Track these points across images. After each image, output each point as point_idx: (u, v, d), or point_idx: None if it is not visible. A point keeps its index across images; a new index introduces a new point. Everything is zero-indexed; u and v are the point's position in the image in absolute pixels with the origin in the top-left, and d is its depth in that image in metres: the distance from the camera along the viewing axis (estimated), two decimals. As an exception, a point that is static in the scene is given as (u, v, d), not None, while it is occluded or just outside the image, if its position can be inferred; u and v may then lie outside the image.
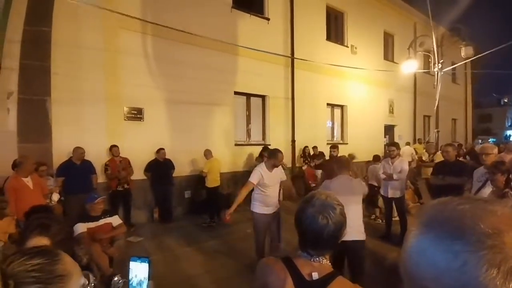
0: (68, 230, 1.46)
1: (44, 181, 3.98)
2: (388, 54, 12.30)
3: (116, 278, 3.42)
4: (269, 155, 3.74)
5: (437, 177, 4.04)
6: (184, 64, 6.46)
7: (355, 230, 2.57)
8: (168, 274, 3.72)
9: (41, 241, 1.23)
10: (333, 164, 3.18)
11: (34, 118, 4.80)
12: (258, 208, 3.55)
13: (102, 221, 3.41)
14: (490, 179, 2.77)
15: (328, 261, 1.05)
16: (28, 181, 3.46)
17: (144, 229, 5.40)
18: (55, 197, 4.09)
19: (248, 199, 3.71)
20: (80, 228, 3.23)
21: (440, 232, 0.39)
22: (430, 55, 8.73)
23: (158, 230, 5.43)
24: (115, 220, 3.55)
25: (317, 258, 1.03)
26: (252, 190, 3.59)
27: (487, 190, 2.96)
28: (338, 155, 5.19)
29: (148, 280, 0.95)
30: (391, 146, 4.82)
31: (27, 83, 4.69)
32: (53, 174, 4.74)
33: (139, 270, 0.98)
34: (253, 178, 3.49)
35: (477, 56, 8.63)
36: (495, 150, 3.44)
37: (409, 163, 8.84)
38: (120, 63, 5.73)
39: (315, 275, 0.99)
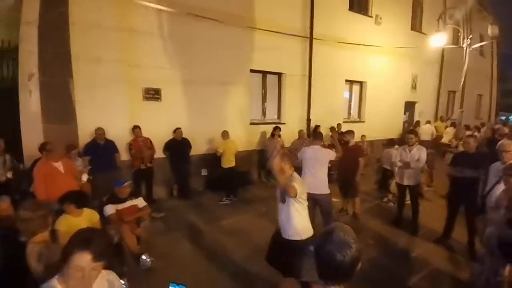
0: (111, 241, 1.57)
1: (74, 164, 4.22)
2: (416, 24, 11.44)
3: (144, 257, 3.78)
4: (318, 136, 4.36)
5: (455, 169, 3.98)
6: (198, 41, 6.34)
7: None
8: (187, 249, 4.06)
9: (84, 256, 1.28)
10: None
11: (57, 99, 4.94)
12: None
13: (129, 203, 3.69)
14: (504, 180, 2.73)
15: None
16: (59, 165, 3.58)
17: (165, 205, 5.76)
18: (84, 177, 4.37)
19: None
20: (110, 209, 3.53)
21: None
22: (460, 29, 8.09)
23: (178, 206, 5.78)
24: (140, 202, 3.82)
25: (332, 287, 1.13)
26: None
27: (502, 187, 2.94)
28: (351, 141, 5.16)
29: None
30: (410, 134, 4.73)
31: (47, 66, 4.74)
32: (81, 154, 5.02)
33: None
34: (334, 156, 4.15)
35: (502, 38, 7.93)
36: (515, 147, 3.30)
37: (429, 142, 8.68)
38: (136, 42, 5.69)
39: None
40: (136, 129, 5.59)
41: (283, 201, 2.56)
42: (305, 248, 2.46)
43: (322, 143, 4.41)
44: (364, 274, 3.25)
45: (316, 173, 4.00)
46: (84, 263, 1.27)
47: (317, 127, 8.25)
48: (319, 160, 4.03)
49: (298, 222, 2.54)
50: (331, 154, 4.09)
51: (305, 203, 2.61)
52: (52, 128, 4.88)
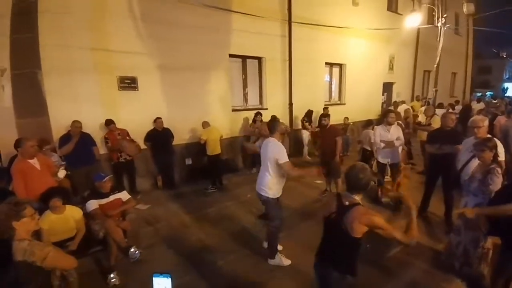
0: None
1: (50, 160, 4.02)
2: (392, 4, 11.53)
3: (132, 249, 3.73)
4: (271, 126, 3.36)
5: (433, 146, 4.12)
6: (175, 26, 6.08)
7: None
8: (175, 239, 4.06)
9: None
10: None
11: (29, 92, 4.70)
12: None
13: (112, 197, 3.60)
14: (477, 155, 2.87)
15: (358, 197, 1.89)
16: (34, 162, 3.44)
17: (149, 197, 5.68)
18: (61, 173, 4.19)
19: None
20: (93, 205, 3.43)
21: None
22: (434, 8, 8.25)
23: (163, 197, 5.72)
24: (124, 196, 3.73)
25: (353, 195, 1.90)
26: None
27: (476, 163, 3.10)
28: (329, 124, 5.28)
29: None
30: (392, 113, 4.90)
31: (18, 58, 4.52)
32: (56, 148, 4.79)
33: (162, 285, 1.14)
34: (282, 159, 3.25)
35: (478, 16, 8.21)
36: (486, 122, 3.45)
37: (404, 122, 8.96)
38: (108, 27, 5.38)
39: (346, 203, 1.86)
40: (111, 124, 5.36)
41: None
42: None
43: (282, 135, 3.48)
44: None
45: (262, 170, 3.36)
46: None
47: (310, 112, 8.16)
48: (266, 156, 3.26)
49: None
50: (278, 153, 3.13)
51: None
52: (25, 123, 4.67)
